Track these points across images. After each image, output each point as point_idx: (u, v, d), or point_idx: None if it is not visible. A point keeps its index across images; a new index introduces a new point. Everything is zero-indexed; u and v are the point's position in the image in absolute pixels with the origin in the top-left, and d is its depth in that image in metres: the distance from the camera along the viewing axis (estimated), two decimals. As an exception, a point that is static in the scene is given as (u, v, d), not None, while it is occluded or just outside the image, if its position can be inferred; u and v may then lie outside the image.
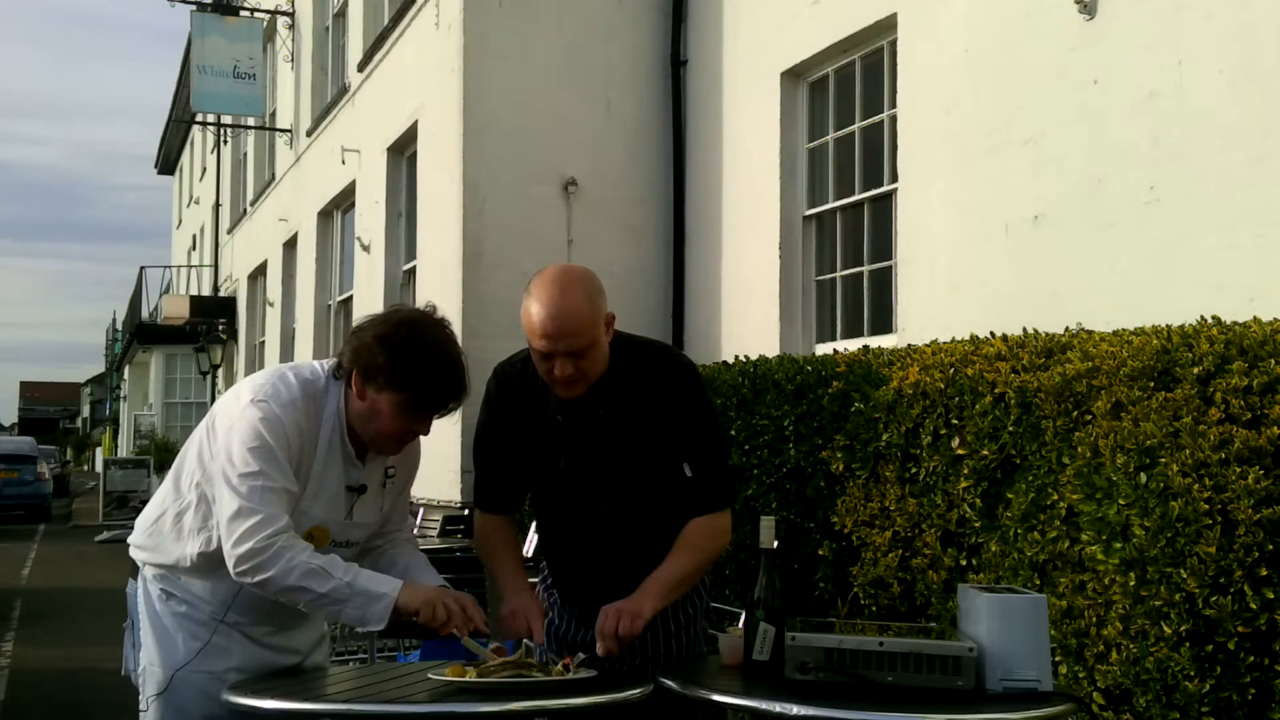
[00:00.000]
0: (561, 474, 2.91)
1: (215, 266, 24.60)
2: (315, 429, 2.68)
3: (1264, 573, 3.16)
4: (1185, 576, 3.26)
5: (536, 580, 3.25)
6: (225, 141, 22.32)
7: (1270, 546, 3.16)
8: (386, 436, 2.70)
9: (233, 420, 2.64)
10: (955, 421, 4.33)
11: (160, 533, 2.77)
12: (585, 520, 2.92)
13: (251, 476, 2.56)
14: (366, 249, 11.98)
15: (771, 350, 6.97)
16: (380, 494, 2.83)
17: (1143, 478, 3.42)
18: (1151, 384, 3.60)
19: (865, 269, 7.75)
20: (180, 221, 34.36)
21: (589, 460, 2.87)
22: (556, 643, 3.03)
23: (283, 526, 2.55)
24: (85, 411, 70.16)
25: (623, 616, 2.70)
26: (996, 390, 4.18)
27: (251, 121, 18.82)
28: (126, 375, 33.08)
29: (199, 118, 20.62)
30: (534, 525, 7.46)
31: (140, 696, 2.78)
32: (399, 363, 2.61)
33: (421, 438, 2.86)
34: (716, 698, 2.51)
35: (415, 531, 3.40)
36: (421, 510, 9.16)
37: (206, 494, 2.68)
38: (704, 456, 2.86)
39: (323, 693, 2.64)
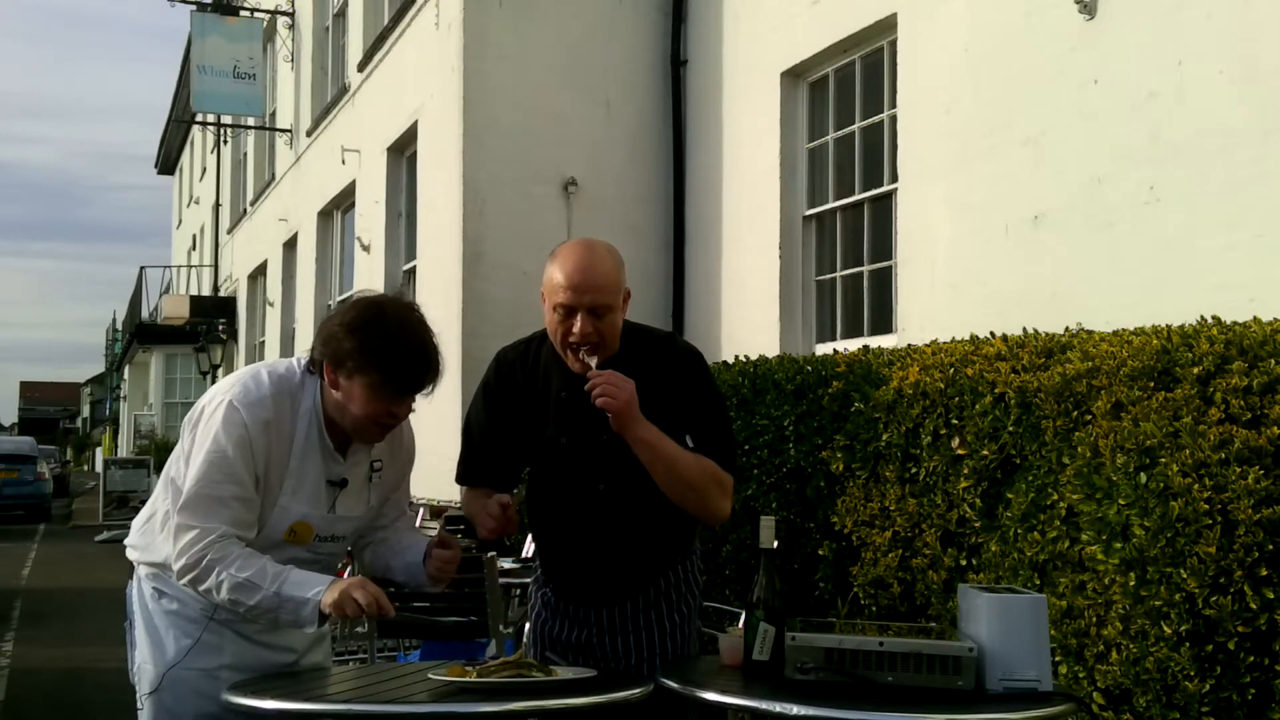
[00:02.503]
0: (562, 451, 2.90)
1: (215, 266, 24.60)
2: (290, 424, 2.68)
3: (1264, 573, 3.16)
4: (1185, 576, 3.26)
5: (530, 581, 3.24)
6: (225, 141, 22.33)
7: (1270, 546, 3.16)
8: (364, 422, 2.69)
9: (206, 420, 2.67)
10: (955, 421, 4.33)
11: (151, 531, 2.78)
12: (583, 501, 2.90)
13: (197, 484, 2.59)
14: (366, 249, 11.98)
15: (771, 350, 6.97)
16: (366, 488, 2.83)
17: (1143, 478, 3.42)
18: (1151, 384, 3.60)
19: (865, 269, 7.75)
20: (180, 221, 34.37)
21: (590, 438, 2.85)
22: (550, 644, 3.02)
23: (215, 539, 2.56)
24: (85, 411, 70.13)
25: (613, 383, 2.68)
26: (996, 390, 4.18)
27: (251, 121, 18.83)
28: (126, 375, 33.09)
29: (199, 118, 20.62)
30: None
31: (136, 695, 2.79)
32: (365, 345, 2.62)
33: (419, 440, 2.86)
34: (716, 698, 2.51)
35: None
36: (421, 510, 9.16)
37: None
38: (706, 430, 2.85)
39: (322, 693, 2.64)
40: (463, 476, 3.05)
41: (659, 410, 2.80)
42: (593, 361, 2.78)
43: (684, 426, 2.82)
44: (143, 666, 2.76)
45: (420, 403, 2.90)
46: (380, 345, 2.62)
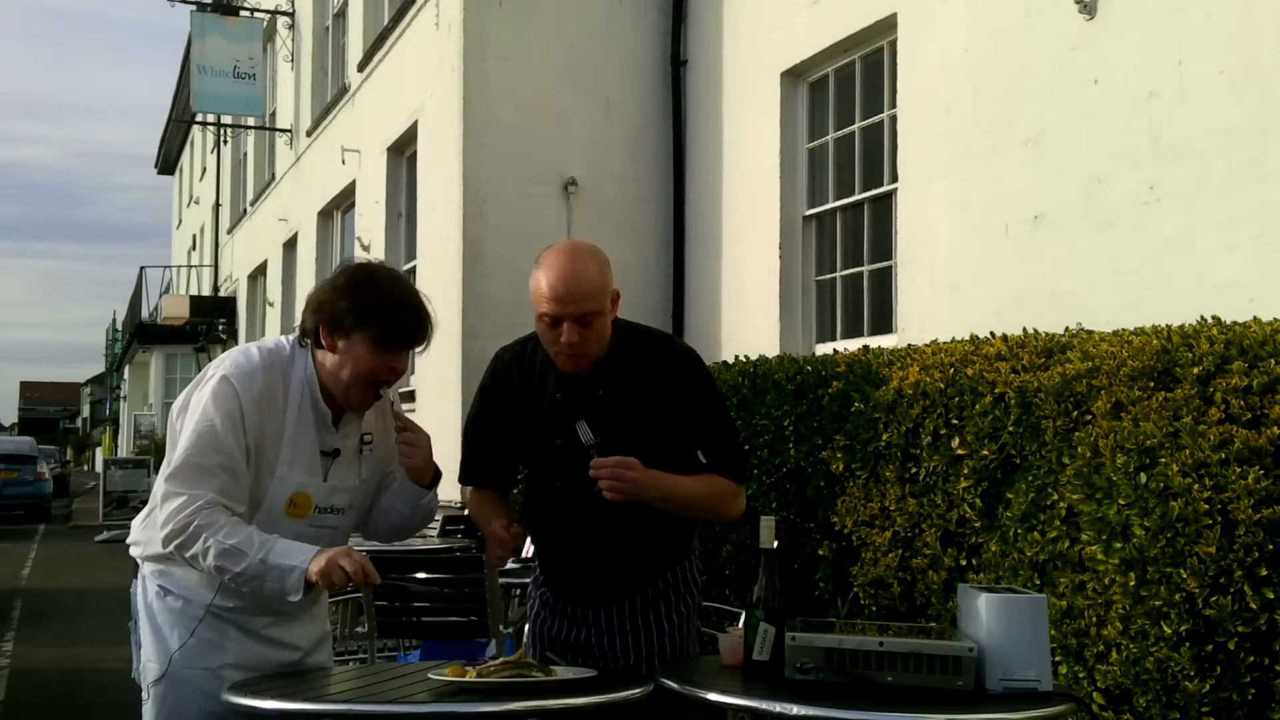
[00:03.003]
0: (557, 453, 2.91)
1: (215, 266, 24.60)
2: (282, 396, 2.72)
3: (1264, 573, 3.16)
4: (1185, 576, 3.26)
5: (529, 582, 3.25)
6: (225, 141, 22.33)
7: (1270, 546, 3.16)
8: (364, 380, 2.72)
9: (198, 395, 2.72)
10: (955, 421, 4.33)
11: (153, 525, 2.78)
12: (579, 502, 2.90)
13: (186, 454, 2.63)
14: (366, 249, 11.98)
15: (771, 350, 6.98)
16: (357, 460, 2.85)
17: (1143, 478, 3.42)
18: (1151, 384, 3.60)
19: (865, 269, 7.75)
20: (180, 221, 34.37)
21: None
22: (549, 644, 3.03)
23: (202, 505, 2.59)
24: (85, 411, 70.12)
25: (621, 469, 2.71)
26: (996, 390, 4.18)
27: (251, 121, 18.83)
28: (126, 375, 33.09)
29: (199, 118, 20.62)
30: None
31: (142, 688, 2.80)
32: (361, 302, 2.68)
33: (421, 435, 2.87)
34: (716, 698, 2.51)
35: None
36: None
37: None
38: (715, 441, 2.88)
39: (322, 693, 2.64)
40: (465, 476, 3.08)
41: (660, 414, 2.83)
42: (584, 433, 2.78)
43: (694, 440, 2.85)
44: (147, 664, 2.76)
45: (421, 403, 2.91)
46: (376, 301, 2.68)
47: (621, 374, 2.85)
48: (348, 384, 2.72)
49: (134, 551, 2.86)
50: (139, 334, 27.77)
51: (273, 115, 18.07)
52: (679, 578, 3.02)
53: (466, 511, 8.92)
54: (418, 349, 2.77)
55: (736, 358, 6.27)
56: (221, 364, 2.74)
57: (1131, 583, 3.42)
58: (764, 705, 2.40)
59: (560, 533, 3.00)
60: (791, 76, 8.30)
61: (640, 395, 2.83)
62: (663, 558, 2.99)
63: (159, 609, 2.76)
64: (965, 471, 4.24)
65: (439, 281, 9.47)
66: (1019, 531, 3.94)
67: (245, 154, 21.14)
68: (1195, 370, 3.49)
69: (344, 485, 2.82)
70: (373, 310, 2.67)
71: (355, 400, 2.76)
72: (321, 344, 2.72)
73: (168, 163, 35.25)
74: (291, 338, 2.82)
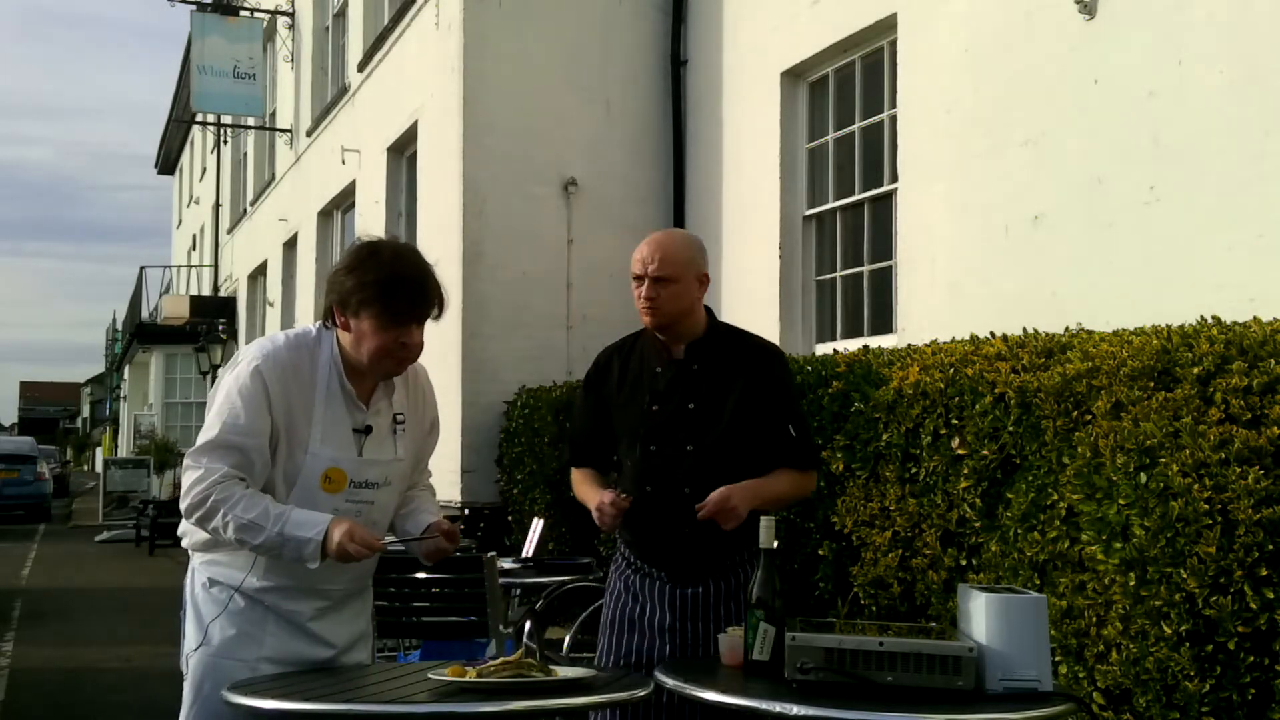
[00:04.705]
0: (653, 418, 3.19)
1: (215, 266, 24.60)
2: (310, 375, 2.80)
3: (1264, 573, 3.16)
4: (1185, 576, 3.26)
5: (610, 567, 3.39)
6: (225, 141, 22.33)
7: (1270, 546, 3.16)
8: (379, 354, 2.78)
9: (229, 377, 2.82)
10: (955, 421, 4.33)
11: None
12: (672, 461, 3.13)
13: (208, 431, 2.73)
14: (367, 249, 11.97)
15: (771, 350, 6.97)
16: (391, 438, 2.92)
17: (1143, 478, 3.42)
18: (1151, 384, 3.60)
19: (865, 269, 7.76)
20: (180, 221, 34.36)
21: (680, 405, 3.17)
22: (629, 626, 3.15)
23: (218, 479, 2.68)
24: (85, 411, 70.10)
25: (725, 513, 2.97)
26: (996, 390, 4.18)
27: (251, 121, 18.83)
28: (126, 375, 33.05)
29: (199, 118, 20.63)
30: (535, 525, 7.42)
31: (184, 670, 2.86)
32: (364, 279, 2.75)
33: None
34: (716, 698, 2.51)
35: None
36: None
37: None
38: (799, 422, 3.23)
39: (322, 693, 2.64)
40: (573, 458, 3.39)
41: (745, 390, 3.16)
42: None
43: (783, 417, 3.19)
44: (189, 654, 2.82)
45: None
46: (378, 277, 2.74)
47: (715, 354, 3.20)
48: (368, 359, 2.79)
49: (185, 542, 2.92)
50: (139, 334, 27.73)
51: (273, 115, 18.07)
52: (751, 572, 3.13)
53: (467, 512, 8.91)
54: (429, 319, 2.83)
55: (736, 358, 6.27)
56: (249, 349, 2.84)
57: (1131, 583, 3.42)
58: (764, 705, 2.40)
59: (651, 497, 3.15)
60: (791, 76, 8.30)
61: (730, 373, 3.17)
62: (741, 526, 3.08)
63: (203, 599, 2.83)
64: (965, 471, 4.24)
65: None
66: (1019, 531, 3.94)
67: (245, 154, 21.14)
68: (1195, 370, 3.49)
69: (378, 458, 2.89)
70: (375, 286, 2.73)
71: (381, 371, 2.84)
72: (337, 324, 2.81)
73: (168, 163, 35.25)
74: (318, 323, 2.90)
